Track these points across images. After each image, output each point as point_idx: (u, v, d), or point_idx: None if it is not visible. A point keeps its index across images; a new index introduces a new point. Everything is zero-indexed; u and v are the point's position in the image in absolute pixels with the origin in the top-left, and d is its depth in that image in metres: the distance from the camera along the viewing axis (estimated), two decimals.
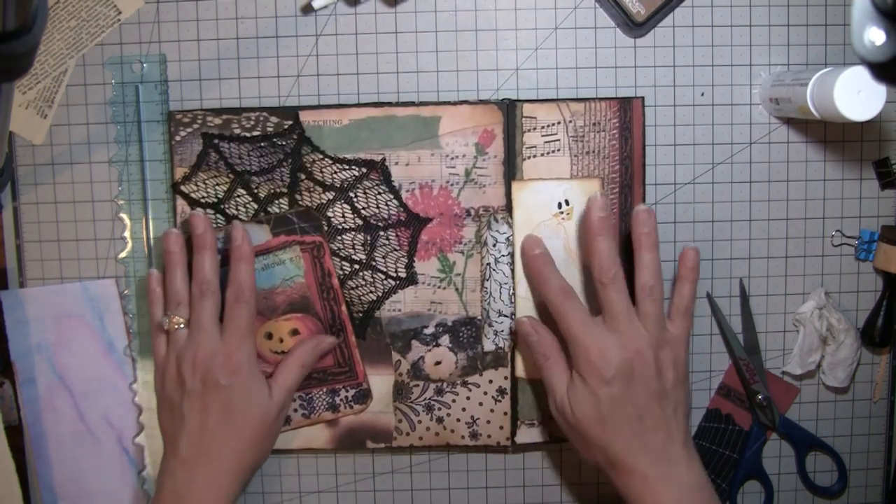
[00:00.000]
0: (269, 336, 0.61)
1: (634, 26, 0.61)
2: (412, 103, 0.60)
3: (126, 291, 0.63)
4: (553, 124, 0.60)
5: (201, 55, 0.62)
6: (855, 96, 0.52)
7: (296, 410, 0.62)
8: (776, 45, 0.62)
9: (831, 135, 0.63)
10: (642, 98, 0.61)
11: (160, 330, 0.58)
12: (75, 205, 0.63)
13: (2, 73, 0.38)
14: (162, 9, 0.61)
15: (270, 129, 0.60)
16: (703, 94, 0.62)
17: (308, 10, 0.61)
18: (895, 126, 0.63)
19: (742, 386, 0.64)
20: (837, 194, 0.63)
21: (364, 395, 0.62)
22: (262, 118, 0.60)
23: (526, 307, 0.61)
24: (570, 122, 0.60)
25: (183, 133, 0.60)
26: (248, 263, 0.57)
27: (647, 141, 0.61)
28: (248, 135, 0.60)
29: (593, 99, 0.60)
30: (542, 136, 0.60)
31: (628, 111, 0.60)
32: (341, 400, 0.62)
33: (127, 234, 0.63)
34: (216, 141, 0.60)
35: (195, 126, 0.60)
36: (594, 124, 0.60)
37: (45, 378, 0.63)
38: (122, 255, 0.63)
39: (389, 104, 0.60)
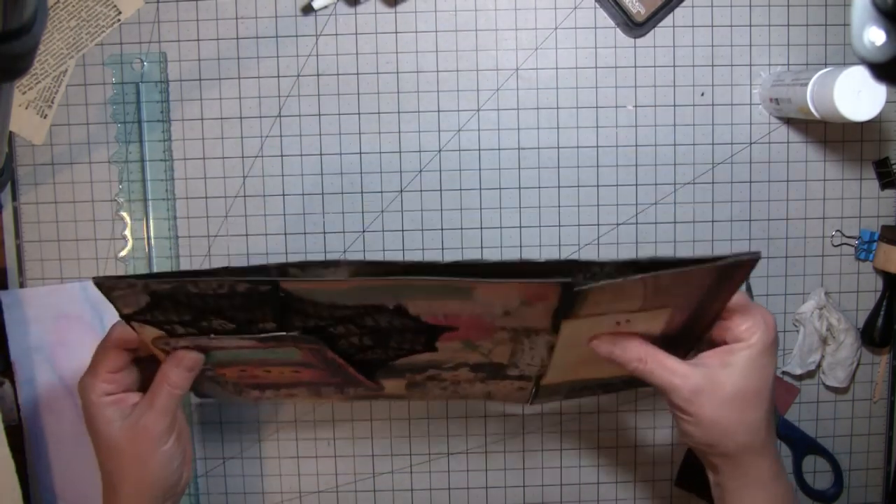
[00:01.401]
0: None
1: (634, 26, 0.61)
2: (435, 267, 0.43)
3: None
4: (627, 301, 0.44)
5: (201, 55, 0.62)
6: (855, 96, 0.52)
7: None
8: (776, 45, 0.62)
9: (831, 135, 0.63)
10: (756, 256, 0.42)
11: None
12: (75, 205, 0.63)
13: (2, 73, 0.38)
14: (162, 9, 0.61)
15: (242, 291, 0.42)
16: (703, 94, 0.62)
17: (308, 10, 0.61)
18: (895, 126, 0.63)
19: None
20: (837, 194, 0.63)
21: (374, 389, 0.53)
22: (226, 284, 0.42)
23: (558, 374, 0.51)
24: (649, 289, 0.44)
25: (119, 292, 0.43)
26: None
27: (646, 141, 0.61)
28: (211, 293, 0.42)
29: (685, 269, 0.41)
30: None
31: (730, 276, 0.43)
32: (349, 390, 0.53)
33: (127, 232, 0.63)
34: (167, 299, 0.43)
35: (135, 289, 0.42)
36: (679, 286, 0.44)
37: (45, 378, 0.63)
38: (123, 253, 0.63)
39: (402, 270, 0.42)
